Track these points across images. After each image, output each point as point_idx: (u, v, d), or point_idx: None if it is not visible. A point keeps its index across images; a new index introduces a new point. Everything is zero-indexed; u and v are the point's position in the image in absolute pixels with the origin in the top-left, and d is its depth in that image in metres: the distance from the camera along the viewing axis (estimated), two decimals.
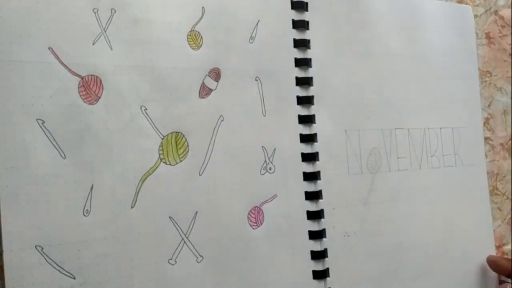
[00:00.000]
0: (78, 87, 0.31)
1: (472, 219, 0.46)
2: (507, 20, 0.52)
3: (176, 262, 0.33)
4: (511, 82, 0.51)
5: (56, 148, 0.30)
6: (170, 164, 0.33)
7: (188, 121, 0.34)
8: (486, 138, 0.49)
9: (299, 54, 0.39)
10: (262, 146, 0.37)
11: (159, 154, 0.33)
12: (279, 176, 0.37)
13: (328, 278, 0.37)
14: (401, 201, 0.42)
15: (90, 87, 0.31)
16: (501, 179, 0.50)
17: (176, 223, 0.33)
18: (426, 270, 0.42)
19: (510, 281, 0.44)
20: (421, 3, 0.46)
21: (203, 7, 0.35)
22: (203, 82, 0.35)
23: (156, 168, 0.33)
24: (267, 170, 0.37)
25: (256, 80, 0.37)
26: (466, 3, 0.50)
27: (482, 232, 0.47)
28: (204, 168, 0.34)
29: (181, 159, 0.34)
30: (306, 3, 0.39)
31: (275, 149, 0.37)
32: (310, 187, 0.38)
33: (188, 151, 0.34)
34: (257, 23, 0.37)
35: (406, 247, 0.42)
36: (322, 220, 0.38)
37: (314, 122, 0.38)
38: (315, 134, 0.38)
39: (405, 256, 0.41)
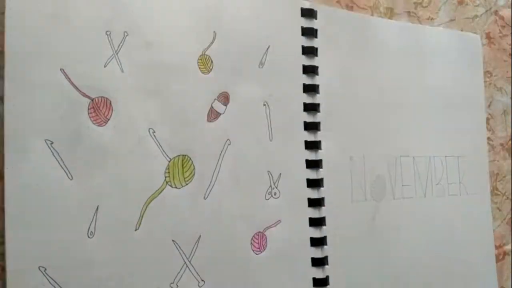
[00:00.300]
0: (88, 109, 0.31)
1: (475, 244, 0.46)
2: (507, 20, 0.52)
3: (177, 286, 0.33)
4: (511, 82, 0.51)
5: (64, 169, 0.30)
6: (176, 187, 0.33)
7: (195, 144, 0.34)
8: (486, 138, 0.49)
9: (308, 80, 0.39)
10: (268, 171, 0.37)
11: (165, 177, 0.33)
12: (283, 201, 0.37)
13: None
14: (405, 229, 0.42)
15: (100, 109, 0.32)
16: (501, 179, 0.50)
17: (179, 247, 0.33)
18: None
19: None
20: (429, 33, 0.46)
21: (214, 32, 0.36)
22: (211, 106, 0.35)
23: (162, 190, 0.33)
24: (272, 195, 0.37)
25: (264, 105, 0.37)
26: (467, 4, 0.50)
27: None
28: (210, 192, 0.34)
29: (187, 182, 0.34)
30: (316, 30, 0.39)
31: (280, 174, 0.37)
32: (315, 213, 0.38)
33: (194, 174, 0.34)
34: (267, 49, 0.38)
35: (409, 274, 0.41)
36: (325, 247, 0.38)
37: (320, 148, 0.38)
38: (321, 160, 0.38)
39: (408, 282, 0.41)
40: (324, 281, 0.37)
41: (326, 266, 0.37)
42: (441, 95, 0.46)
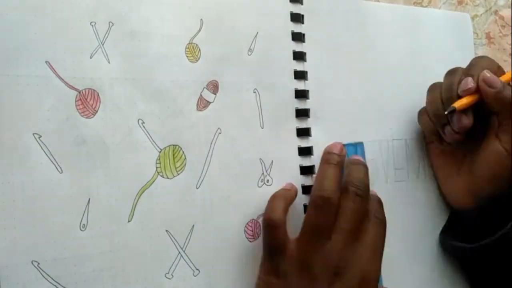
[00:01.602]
0: (75, 101, 0.31)
1: None
2: (507, 20, 0.52)
3: (173, 276, 0.33)
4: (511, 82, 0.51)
5: (53, 163, 0.30)
6: (167, 177, 0.33)
7: (185, 134, 0.34)
8: None
9: (299, 66, 0.38)
10: (260, 159, 0.37)
11: (156, 168, 0.33)
12: (276, 188, 0.37)
13: None
14: (398, 211, 0.42)
15: (87, 101, 0.31)
16: None
17: (173, 237, 0.33)
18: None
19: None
20: (420, 12, 0.46)
21: (201, 19, 0.35)
22: (200, 95, 0.35)
23: (153, 181, 0.33)
24: (264, 183, 0.37)
25: (254, 92, 0.37)
26: (466, 3, 0.50)
27: None
28: (202, 181, 0.34)
29: (179, 172, 0.34)
30: (303, 15, 0.39)
31: (272, 161, 0.37)
32: (308, 200, 0.38)
33: (185, 164, 0.34)
34: (256, 35, 0.37)
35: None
36: None
37: (310, 135, 0.38)
38: (311, 147, 0.38)
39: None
40: None
41: None
42: (433, 75, 0.45)
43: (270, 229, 0.34)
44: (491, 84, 0.36)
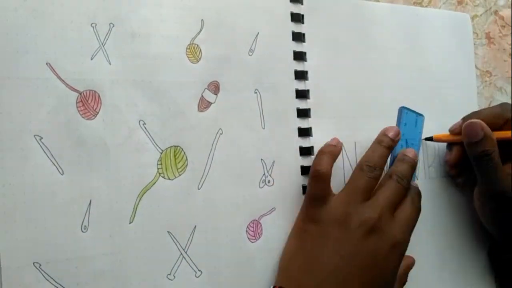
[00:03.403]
0: (76, 103, 0.31)
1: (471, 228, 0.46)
2: (507, 20, 0.52)
3: (174, 277, 0.33)
4: (511, 82, 0.51)
5: (54, 165, 0.30)
6: (169, 179, 0.33)
7: (187, 135, 0.34)
8: None
9: (299, 66, 0.38)
10: (261, 159, 0.37)
11: (158, 169, 0.33)
12: (277, 189, 0.37)
13: None
14: None
15: (88, 102, 0.31)
16: None
17: (175, 238, 0.33)
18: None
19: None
20: (420, 12, 0.46)
21: (202, 20, 0.35)
22: (202, 96, 0.35)
23: (155, 182, 0.33)
24: (265, 183, 0.37)
25: (256, 92, 0.37)
26: (466, 3, 0.50)
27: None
28: (203, 182, 0.34)
29: (180, 173, 0.34)
30: (302, 15, 0.39)
31: (274, 161, 0.37)
32: None
33: (186, 165, 0.34)
34: (257, 36, 0.37)
35: None
36: None
37: (311, 135, 0.38)
38: (312, 147, 0.38)
39: None
40: None
41: None
42: (433, 75, 0.45)
43: (315, 180, 0.36)
44: (469, 134, 0.40)
